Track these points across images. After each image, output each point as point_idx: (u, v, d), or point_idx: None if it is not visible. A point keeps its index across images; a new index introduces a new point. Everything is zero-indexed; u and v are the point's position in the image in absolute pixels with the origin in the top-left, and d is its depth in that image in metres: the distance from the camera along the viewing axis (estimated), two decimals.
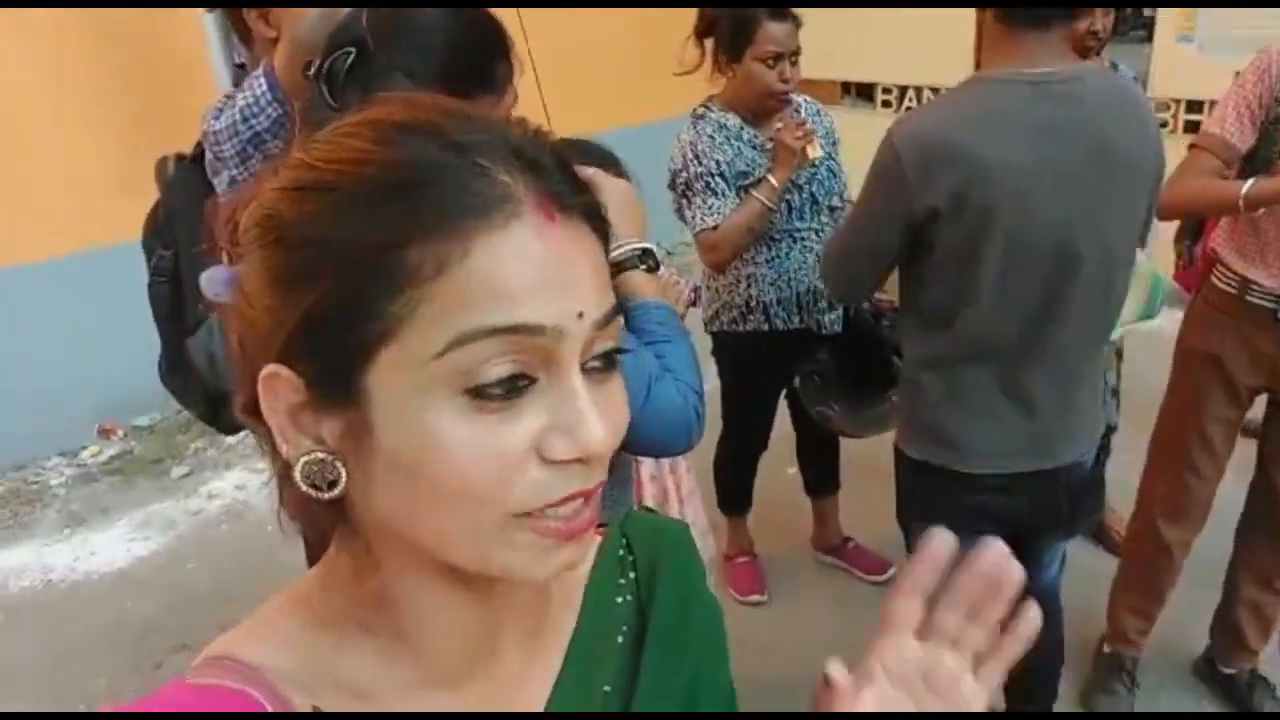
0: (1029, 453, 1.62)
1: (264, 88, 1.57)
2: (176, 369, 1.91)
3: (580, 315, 0.46)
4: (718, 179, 2.24)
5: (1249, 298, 1.93)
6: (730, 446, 2.70)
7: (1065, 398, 1.61)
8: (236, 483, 3.60)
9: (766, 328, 2.41)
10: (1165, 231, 2.38)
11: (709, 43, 2.31)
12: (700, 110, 2.35)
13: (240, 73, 1.85)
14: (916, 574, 0.57)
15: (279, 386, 0.47)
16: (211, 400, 1.93)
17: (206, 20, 3.07)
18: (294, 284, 0.45)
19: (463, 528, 0.47)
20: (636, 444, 1.18)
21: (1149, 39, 4.41)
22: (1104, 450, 2.72)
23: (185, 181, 1.83)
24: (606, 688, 0.59)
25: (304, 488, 0.47)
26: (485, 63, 1.16)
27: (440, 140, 0.45)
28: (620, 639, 0.61)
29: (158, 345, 1.96)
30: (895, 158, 1.51)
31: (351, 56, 1.13)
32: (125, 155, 3.58)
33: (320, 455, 0.47)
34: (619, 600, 0.63)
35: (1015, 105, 1.46)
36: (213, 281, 0.50)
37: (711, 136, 2.28)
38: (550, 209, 0.46)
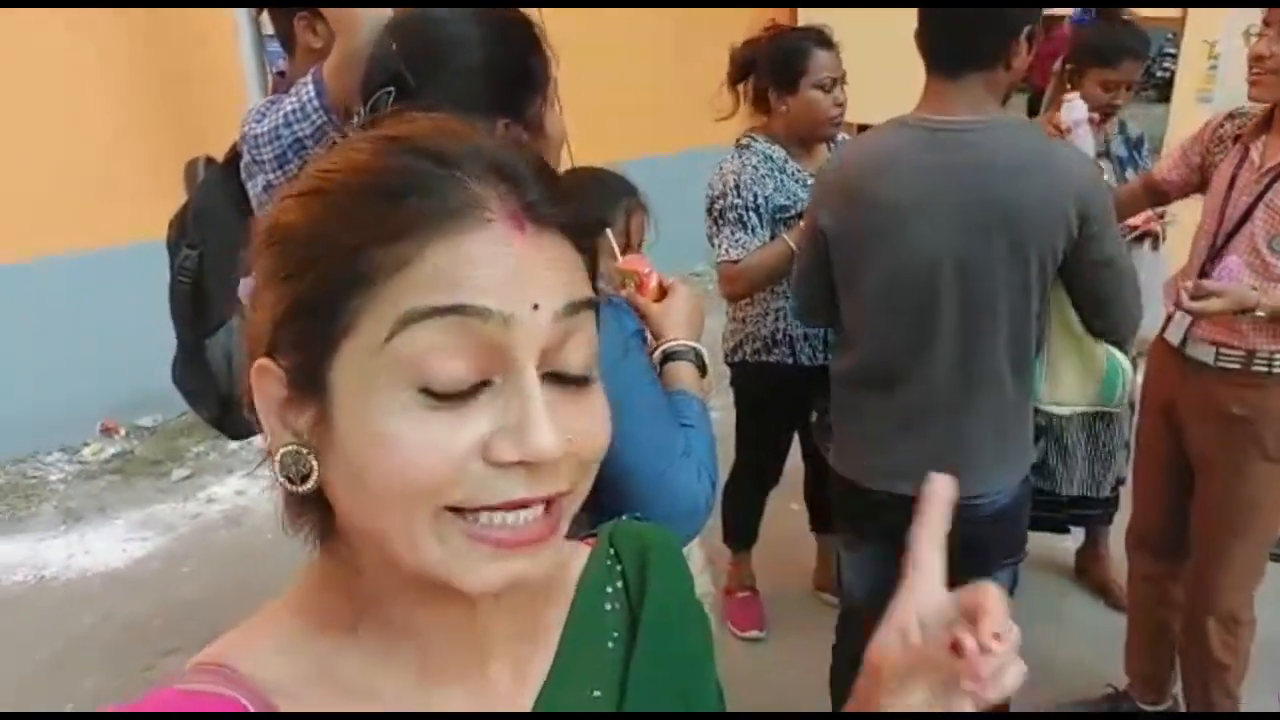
0: (912, 477, 1.61)
1: (311, 94, 1.58)
2: (192, 370, 1.91)
3: (536, 307, 0.46)
4: (751, 213, 2.25)
5: (1166, 334, 2.07)
6: (742, 480, 2.68)
7: (955, 431, 1.65)
8: (237, 488, 3.58)
9: (790, 361, 2.41)
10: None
11: (744, 85, 2.35)
12: (745, 140, 2.37)
13: (280, 80, 1.86)
14: (932, 520, 0.59)
15: (266, 380, 0.49)
16: (224, 403, 1.93)
17: (241, 27, 3.10)
18: (284, 281, 0.48)
19: (399, 524, 0.47)
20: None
21: (1160, 99, 4.47)
22: (1112, 503, 2.75)
23: (217, 183, 1.84)
24: (596, 693, 0.60)
25: (280, 480, 0.49)
26: (525, 67, 1.12)
27: (424, 152, 0.48)
28: (610, 644, 0.62)
29: (165, 346, 1.96)
30: (817, 180, 1.71)
31: (391, 95, 1.07)
32: (148, 159, 3.60)
33: (295, 448, 0.49)
34: (608, 607, 0.63)
35: (909, 148, 1.57)
36: (244, 288, 0.54)
37: (756, 168, 2.28)
38: (520, 219, 0.47)
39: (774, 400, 2.50)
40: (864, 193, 1.60)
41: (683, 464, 1.12)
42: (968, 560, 1.92)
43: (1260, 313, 1.78)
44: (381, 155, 0.48)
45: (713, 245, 2.34)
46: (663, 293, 1.29)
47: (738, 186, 2.26)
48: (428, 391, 0.45)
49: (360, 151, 0.49)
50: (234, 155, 1.84)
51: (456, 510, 0.46)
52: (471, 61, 1.08)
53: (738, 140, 2.40)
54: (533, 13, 1.16)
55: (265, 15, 1.93)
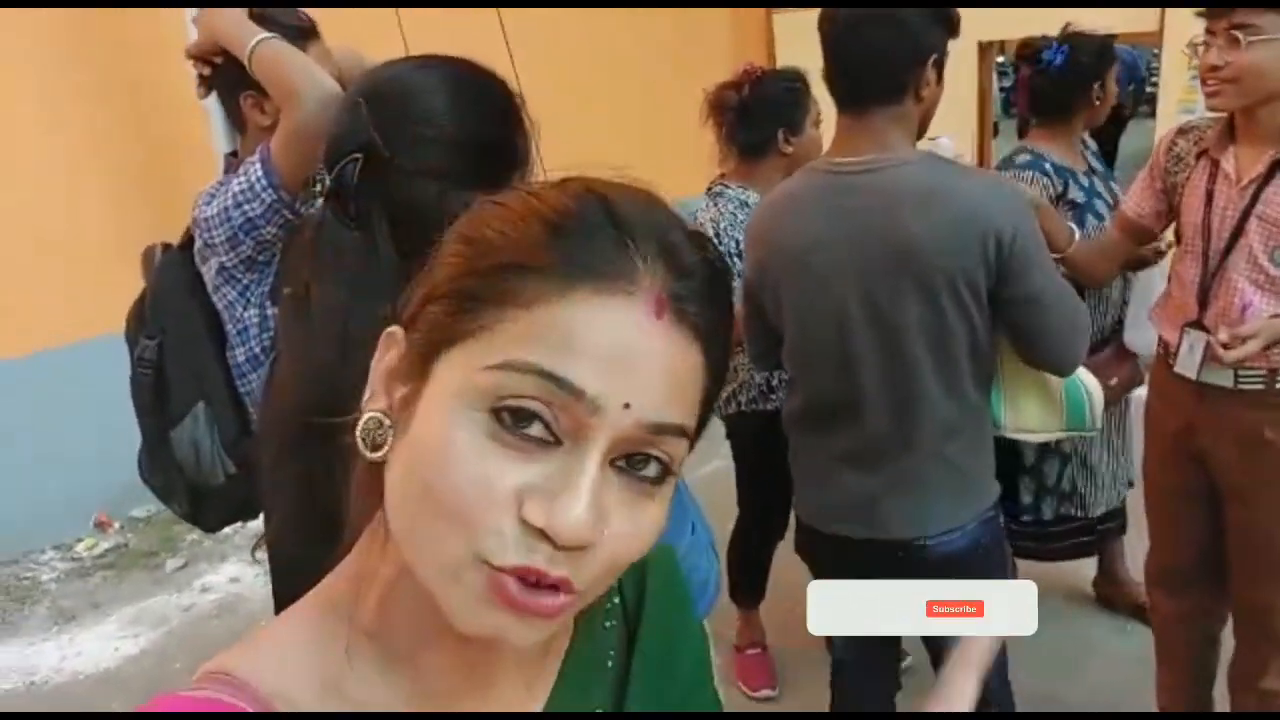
0: (856, 519, 1.65)
1: (259, 173, 1.55)
2: (158, 463, 1.83)
3: (627, 406, 0.46)
4: (735, 259, 2.20)
5: (1168, 359, 1.98)
6: (748, 535, 2.59)
7: (893, 473, 1.61)
8: (232, 575, 3.50)
9: None
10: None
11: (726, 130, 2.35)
12: (717, 188, 2.34)
13: (233, 160, 1.83)
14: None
15: (390, 345, 0.52)
16: (195, 495, 1.85)
17: (213, 113, 3.09)
18: (450, 269, 0.50)
19: (431, 542, 0.47)
20: None
21: (1153, 114, 4.45)
22: (1123, 511, 2.64)
23: (173, 269, 1.79)
24: (600, 709, 0.60)
25: (358, 440, 0.51)
26: (505, 142, 1.05)
27: (603, 203, 0.49)
28: (610, 663, 0.62)
29: None
30: (745, 231, 1.72)
31: (360, 163, 0.99)
32: (125, 244, 3.58)
33: (380, 415, 0.51)
34: (607, 625, 0.63)
35: (811, 191, 1.59)
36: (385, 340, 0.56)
37: (734, 214, 2.25)
38: (664, 304, 0.47)
39: (775, 447, 2.42)
40: (773, 240, 1.63)
41: (693, 542, 1.10)
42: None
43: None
44: (567, 193, 0.50)
45: None
46: None
47: (718, 234, 2.23)
48: (499, 420, 0.45)
49: (556, 187, 0.51)
50: (189, 239, 1.80)
51: (485, 562, 0.46)
52: (448, 133, 1.02)
53: (709, 188, 2.36)
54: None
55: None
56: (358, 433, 0.51)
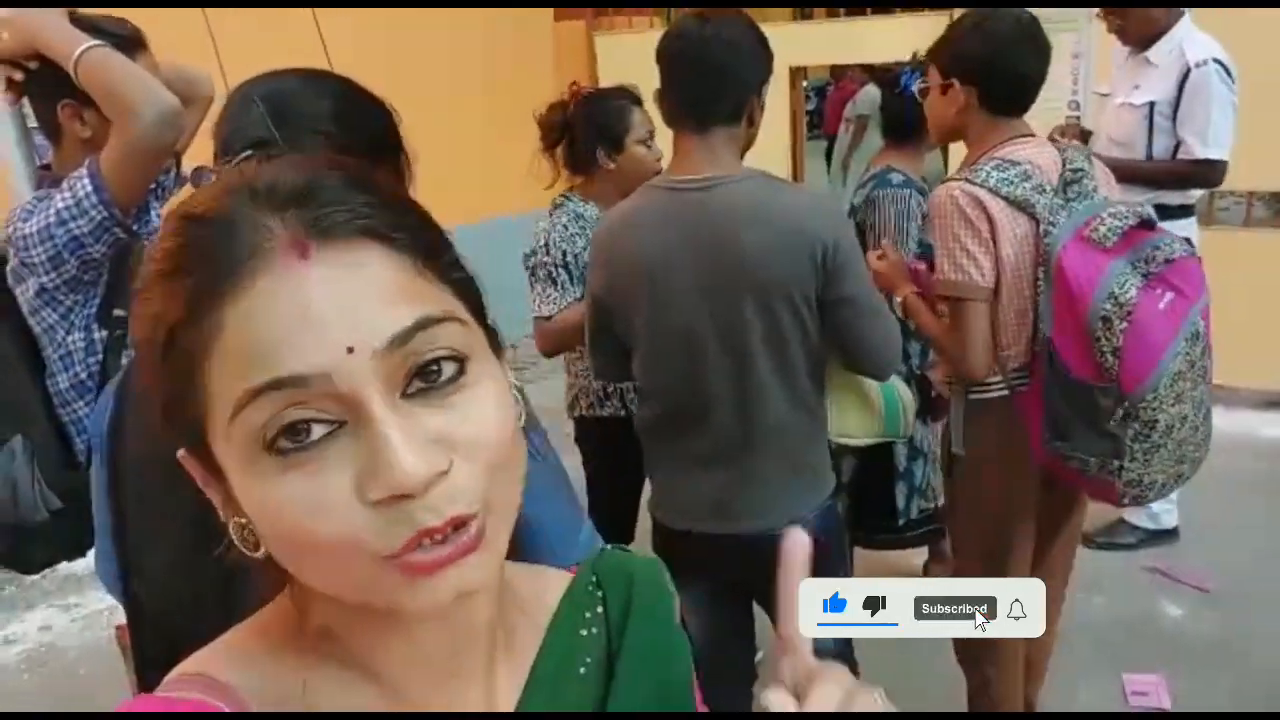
0: (710, 514, 1.75)
1: (88, 189, 1.46)
2: None
3: (350, 350, 0.44)
4: (560, 270, 2.28)
5: None
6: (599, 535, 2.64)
7: (740, 471, 1.71)
8: (41, 623, 3.21)
9: (623, 413, 2.41)
10: None
11: (559, 150, 2.38)
12: (559, 200, 2.40)
13: (46, 174, 1.71)
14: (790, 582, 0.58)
15: (191, 468, 0.50)
16: (14, 536, 1.71)
17: (3, 120, 2.84)
18: (150, 377, 0.49)
19: (337, 572, 0.47)
20: None
21: None
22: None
23: None
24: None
25: (244, 550, 0.50)
26: (391, 146, 1.07)
27: (199, 217, 0.47)
28: (583, 669, 0.62)
29: None
30: (589, 247, 1.80)
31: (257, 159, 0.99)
32: None
33: (239, 520, 0.49)
34: (583, 632, 0.63)
35: (653, 209, 1.66)
36: None
37: (566, 226, 2.31)
38: (304, 243, 0.45)
39: (618, 452, 2.48)
40: (620, 257, 1.68)
41: (589, 537, 1.12)
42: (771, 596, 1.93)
43: (898, 297, 1.96)
44: (168, 235, 0.47)
45: None
46: None
47: (547, 245, 2.30)
48: (280, 453, 0.44)
49: (161, 236, 0.48)
50: (0, 260, 1.67)
51: (385, 558, 0.45)
52: (340, 140, 1.02)
53: (553, 200, 2.41)
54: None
55: (29, 106, 1.76)
56: (237, 543, 0.50)
